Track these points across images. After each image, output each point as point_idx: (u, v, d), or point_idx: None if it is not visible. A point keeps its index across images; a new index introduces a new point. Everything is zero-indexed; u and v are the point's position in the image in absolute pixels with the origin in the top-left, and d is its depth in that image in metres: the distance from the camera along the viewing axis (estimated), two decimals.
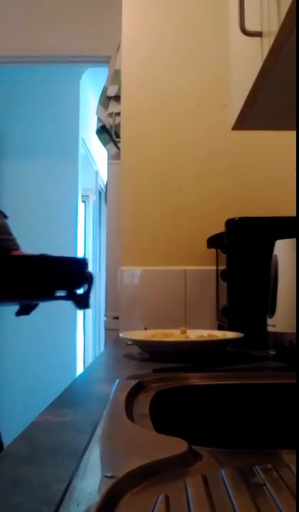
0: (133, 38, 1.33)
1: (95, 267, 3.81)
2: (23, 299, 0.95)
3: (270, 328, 0.76)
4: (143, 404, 0.46)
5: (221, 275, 1.06)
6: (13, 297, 0.90)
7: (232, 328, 0.94)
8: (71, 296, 0.91)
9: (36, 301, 0.99)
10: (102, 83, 1.89)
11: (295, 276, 0.71)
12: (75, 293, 0.94)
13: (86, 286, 0.95)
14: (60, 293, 0.92)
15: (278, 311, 0.73)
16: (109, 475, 0.26)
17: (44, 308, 1.05)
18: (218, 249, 1.14)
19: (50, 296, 0.91)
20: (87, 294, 0.95)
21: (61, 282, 0.92)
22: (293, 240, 0.74)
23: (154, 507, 0.24)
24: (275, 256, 0.76)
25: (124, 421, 0.38)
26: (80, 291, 0.95)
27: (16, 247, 1.14)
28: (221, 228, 1.02)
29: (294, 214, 0.91)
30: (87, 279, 0.96)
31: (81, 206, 3.27)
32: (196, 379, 0.57)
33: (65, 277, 0.93)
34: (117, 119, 1.60)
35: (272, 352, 0.75)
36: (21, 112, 2.75)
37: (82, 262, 1.00)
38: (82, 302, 0.95)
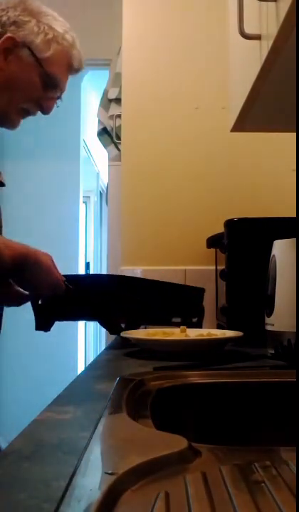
0: (133, 41, 1.34)
1: (97, 267, 3.82)
2: (145, 324, 0.97)
3: (268, 327, 0.76)
4: (143, 402, 0.46)
5: (221, 275, 1.07)
6: (139, 323, 0.93)
7: (231, 327, 0.94)
8: (186, 324, 0.94)
9: (153, 326, 1.00)
10: (103, 86, 1.90)
11: (294, 275, 0.71)
12: (191, 321, 0.97)
13: (198, 316, 0.99)
14: (176, 319, 0.95)
15: (276, 310, 0.73)
16: (109, 472, 0.26)
17: None
18: (218, 250, 1.14)
19: (168, 322, 0.93)
20: (199, 324, 0.99)
21: (179, 309, 0.96)
22: (291, 240, 0.75)
23: (154, 503, 0.24)
24: (274, 256, 0.77)
25: (125, 418, 0.38)
26: (194, 320, 0.98)
27: None
28: (220, 229, 1.03)
29: (292, 215, 0.92)
30: (201, 310, 0.99)
31: (82, 207, 3.28)
32: (195, 377, 0.57)
33: (183, 304, 0.97)
34: (118, 121, 1.61)
35: (270, 350, 0.75)
36: None
37: (200, 291, 1.02)
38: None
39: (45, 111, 0.89)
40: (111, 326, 0.93)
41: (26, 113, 0.88)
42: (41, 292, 0.82)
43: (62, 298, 0.81)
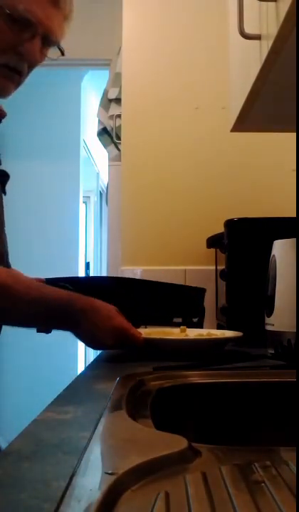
0: (133, 41, 1.34)
1: (97, 267, 3.82)
2: (145, 324, 0.97)
3: (268, 327, 0.76)
4: (143, 401, 0.46)
5: (221, 275, 1.07)
6: (139, 323, 0.92)
7: (231, 327, 0.94)
8: (187, 324, 0.94)
9: (154, 326, 0.99)
10: (103, 86, 1.90)
11: (294, 275, 0.71)
12: (191, 321, 0.97)
13: (199, 316, 0.98)
14: (177, 319, 0.95)
15: (276, 310, 0.74)
16: (109, 472, 0.26)
17: None
18: (218, 250, 1.14)
19: (169, 323, 0.93)
20: (200, 324, 0.98)
21: (180, 309, 0.96)
22: (291, 240, 0.75)
23: (154, 503, 0.24)
24: (274, 256, 0.77)
25: (125, 418, 0.38)
26: (195, 320, 0.98)
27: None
28: (220, 229, 1.03)
29: (292, 215, 0.92)
30: (201, 310, 0.99)
31: (82, 207, 3.28)
32: (195, 377, 0.57)
33: (184, 304, 0.97)
34: (118, 122, 1.61)
35: (270, 350, 0.75)
36: (23, 115, 2.76)
37: (201, 291, 1.01)
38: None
39: (28, 57, 0.67)
40: None
41: (9, 69, 0.67)
42: (107, 344, 0.72)
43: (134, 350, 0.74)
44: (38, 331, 0.85)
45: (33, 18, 0.65)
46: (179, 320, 0.97)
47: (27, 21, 0.65)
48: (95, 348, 0.77)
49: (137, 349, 0.73)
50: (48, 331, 0.85)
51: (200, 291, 1.02)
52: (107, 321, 0.69)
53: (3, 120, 0.78)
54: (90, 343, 0.73)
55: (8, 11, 0.63)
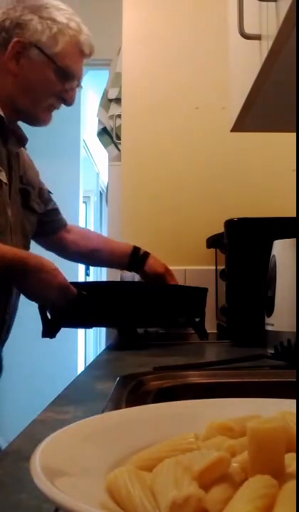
0: (133, 41, 1.34)
1: (96, 268, 3.81)
2: (150, 326, 0.97)
3: (268, 327, 0.76)
4: (143, 402, 0.46)
5: (221, 275, 1.07)
6: (141, 325, 0.92)
7: (231, 327, 0.94)
8: (191, 324, 0.93)
9: (159, 327, 1.00)
10: (103, 86, 1.90)
11: (294, 275, 0.71)
12: (195, 321, 0.96)
13: (200, 316, 0.99)
14: (180, 319, 0.96)
15: (276, 310, 0.74)
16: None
17: None
18: (218, 250, 1.14)
19: (173, 323, 0.93)
20: (202, 323, 0.99)
21: (183, 309, 0.96)
22: (291, 240, 0.75)
23: None
24: (273, 256, 0.77)
25: None
26: (197, 319, 0.99)
27: (63, 223, 1.15)
28: (220, 228, 1.03)
29: (292, 215, 0.92)
30: (203, 310, 0.99)
31: (82, 207, 3.28)
32: (195, 377, 0.57)
33: (187, 304, 0.97)
34: (118, 121, 1.61)
35: (270, 350, 0.75)
36: None
37: (203, 291, 1.02)
38: (201, 331, 0.98)
39: (68, 103, 0.88)
40: (127, 333, 0.93)
41: (52, 107, 0.88)
42: (52, 300, 0.80)
43: (75, 305, 0.79)
44: (43, 337, 0.85)
45: (78, 75, 0.87)
46: (181, 320, 0.97)
47: (73, 77, 0.86)
48: (36, 301, 0.83)
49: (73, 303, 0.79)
50: (52, 336, 0.85)
51: (203, 291, 1.02)
52: (54, 278, 0.77)
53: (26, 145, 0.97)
54: (31, 296, 0.80)
55: (63, 71, 0.83)
